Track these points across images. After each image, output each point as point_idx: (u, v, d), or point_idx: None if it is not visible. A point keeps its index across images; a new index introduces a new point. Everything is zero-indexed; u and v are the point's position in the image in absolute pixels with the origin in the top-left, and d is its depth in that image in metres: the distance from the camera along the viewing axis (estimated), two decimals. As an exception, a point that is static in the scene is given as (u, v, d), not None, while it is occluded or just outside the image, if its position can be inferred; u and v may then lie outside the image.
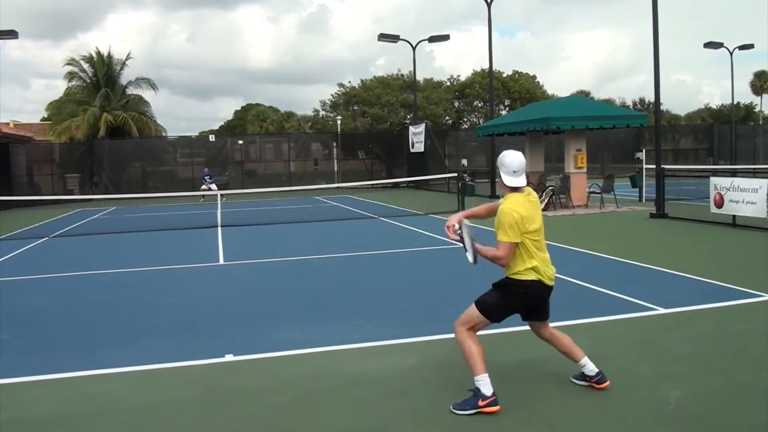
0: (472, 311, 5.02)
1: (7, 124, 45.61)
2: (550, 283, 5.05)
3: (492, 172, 27.54)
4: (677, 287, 9.09)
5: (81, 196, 32.66)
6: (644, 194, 22.34)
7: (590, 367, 5.24)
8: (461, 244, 5.17)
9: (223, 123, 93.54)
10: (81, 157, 37.29)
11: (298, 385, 5.62)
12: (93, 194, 33.91)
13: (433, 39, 36.29)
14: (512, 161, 4.95)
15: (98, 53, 44.57)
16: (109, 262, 13.40)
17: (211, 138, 44.15)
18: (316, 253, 13.22)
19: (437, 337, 6.91)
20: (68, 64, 44.74)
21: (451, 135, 46.31)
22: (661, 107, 20.25)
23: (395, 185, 36.10)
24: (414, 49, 35.48)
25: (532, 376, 5.62)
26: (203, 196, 30.72)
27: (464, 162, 32.77)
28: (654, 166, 18.24)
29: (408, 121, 49.01)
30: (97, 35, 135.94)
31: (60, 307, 9.44)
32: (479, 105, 64.34)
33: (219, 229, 18.43)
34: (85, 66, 44.72)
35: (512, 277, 4.99)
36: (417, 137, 35.11)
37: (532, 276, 4.93)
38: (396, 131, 44.66)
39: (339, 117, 55.77)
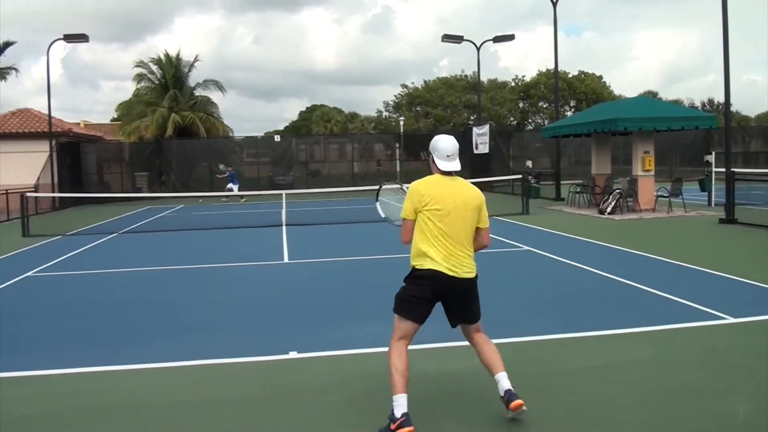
0: (395, 316, 4.89)
1: (78, 124, 47.01)
2: (453, 273, 4.67)
3: (558, 173, 27.28)
4: (747, 296, 8.85)
5: (149, 194, 33.44)
6: (713, 199, 21.79)
7: (502, 385, 4.76)
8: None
9: (288, 123, 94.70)
10: (150, 156, 38.20)
11: (358, 384, 5.68)
12: (161, 192, 34.68)
13: (497, 39, 36.00)
14: (446, 145, 4.81)
15: (167, 56, 45.76)
16: (176, 258, 13.75)
17: (277, 138, 44.73)
18: (379, 252, 13.29)
19: (500, 340, 6.86)
20: (137, 66, 46.07)
21: (515, 136, 45.93)
22: (732, 108, 19.73)
23: (458, 186, 35.88)
24: (478, 49, 35.30)
25: (594, 384, 5.56)
26: (242, 196, 31.37)
27: (529, 163, 32.51)
28: (724, 170, 17.79)
29: (471, 122, 48.80)
30: (165, 38, 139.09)
31: (127, 300, 9.73)
32: (544, 106, 63.70)
33: (284, 228, 18.67)
34: (154, 68, 45.96)
35: (412, 265, 4.83)
36: (481, 138, 34.89)
37: (428, 264, 4.69)
38: (459, 132, 44.47)
39: (402, 118, 55.90)
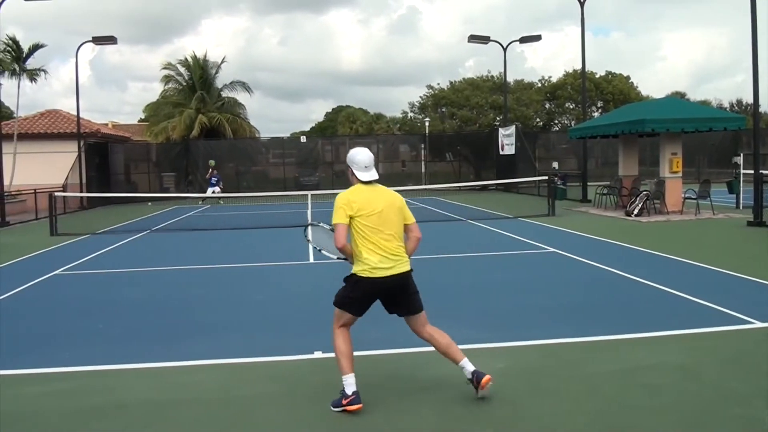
0: (335, 308, 5.29)
1: (106, 125, 47.61)
2: (388, 273, 5.15)
3: (584, 175, 27.12)
4: (776, 299, 8.73)
5: (176, 194, 33.71)
6: (741, 201, 21.53)
7: (468, 369, 5.24)
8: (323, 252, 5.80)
9: (314, 124, 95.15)
10: (177, 157, 38.54)
11: (382, 385, 5.69)
12: (188, 192, 34.93)
13: (524, 39, 35.89)
14: (363, 158, 5.28)
15: (194, 57, 46.13)
16: (202, 257, 13.85)
17: (303, 139, 44.95)
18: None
19: (526, 342, 6.87)
20: (165, 68, 46.57)
21: (541, 137, 45.69)
22: (760, 109, 19.47)
23: (483, 188, 35.86)
24: (505, 50, 35.21)
25: (620, 388, 5.52)
26: (203, 198, 31.64)
27: (555, 165, 32.35)
28: (752, 171, 17.56)
29: (497, 123, 48.62)
30: (192, 40, 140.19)
31: (153, 299, 9.88)
32: (571, 107, 63.24)
33: (309, 228, 18.67)
34: (181, 69, 46.38)
35: (353, 269, 5.24)
36: (507, 139, 34.79)
37: (365, 272, 5.13)
38: (485, 133, 44.36)
39: (427, 119, 55.71)
